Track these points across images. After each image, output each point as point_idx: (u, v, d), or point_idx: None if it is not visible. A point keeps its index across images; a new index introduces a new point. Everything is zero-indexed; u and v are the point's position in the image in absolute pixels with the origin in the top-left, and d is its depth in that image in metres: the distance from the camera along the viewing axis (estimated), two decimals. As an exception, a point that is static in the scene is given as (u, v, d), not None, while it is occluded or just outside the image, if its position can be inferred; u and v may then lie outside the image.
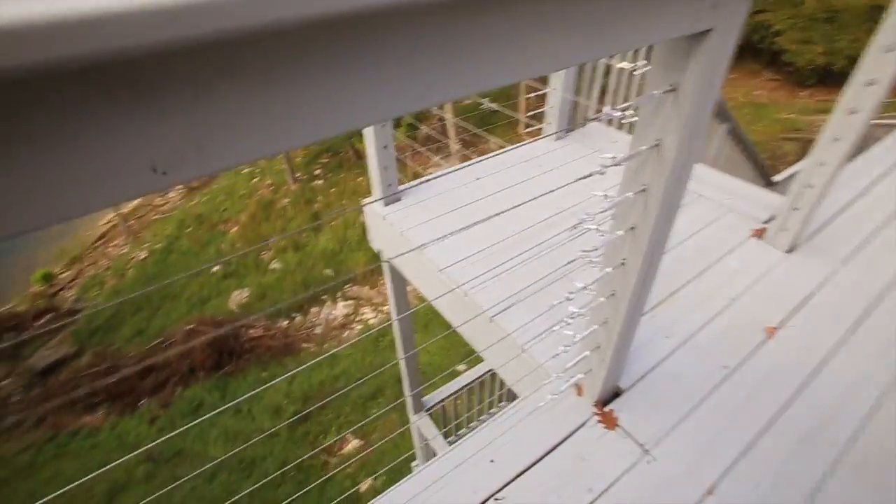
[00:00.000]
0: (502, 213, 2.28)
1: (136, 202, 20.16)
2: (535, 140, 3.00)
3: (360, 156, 17.48)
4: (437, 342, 11.00)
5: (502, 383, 4.31)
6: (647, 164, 0.89)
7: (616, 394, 1.47)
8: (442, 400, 3.87)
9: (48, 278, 16.85)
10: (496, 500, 1.22)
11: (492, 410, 4.35)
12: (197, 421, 1.10)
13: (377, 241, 2.63)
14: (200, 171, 0.40)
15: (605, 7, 0.56)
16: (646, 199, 0.93)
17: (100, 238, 18.66)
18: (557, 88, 2.77)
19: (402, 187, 2.58)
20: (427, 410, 3.84)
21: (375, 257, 14.41)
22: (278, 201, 17.02)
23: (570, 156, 2.78)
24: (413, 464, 4.78)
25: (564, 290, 1.37)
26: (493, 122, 15.62)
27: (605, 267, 1.11)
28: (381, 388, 10.26)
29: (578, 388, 1.47)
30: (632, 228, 0.99)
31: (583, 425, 1.38)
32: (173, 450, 9.97)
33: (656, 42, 0.69)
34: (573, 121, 3.06)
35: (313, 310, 13.41)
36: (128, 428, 10.61)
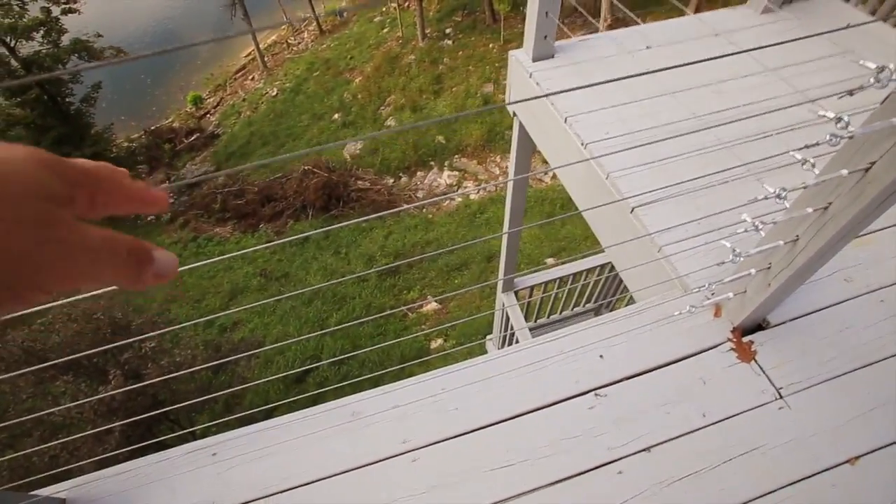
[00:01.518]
0: (673, 93, 1.86)
1: (272, 37, 20.83)
2: (735, 8, 2.30)
3: (497, 18, 16.06)
4: (531, 230, 10.83)
5: (607, 284, 4.10)
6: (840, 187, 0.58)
7: (760, 326, 1.25)
8: (534, 286, 3.79)
9: (198, 101, 18.65)
10: (597, 394, 1.13)
11: (584, 311, 4.23)
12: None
13: (514, 98, 2.27)
14: None
15: None
16: (824, 219, 0.64)
17: (240, 70, 19.87)
18: None
19: (558, 42, 2.10)
20: (516, 291, 3.82)
21: (491, 132, 13.93)
22: (404, 56, 16.59)
23: (780, 35, 2.10)
24: (488, 337, 4.95)
25: (735, 197, 1.10)
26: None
27: (828, 172, 0.82)
28: (467, 262, 10.58)
29: (717, 308, 1.26)
30: (795, 240, 0.69)
31: (713, 348, 1.20)
32: (281, 271, 11.42)
33: None
34: None
35: (419, 173, 13.68)
36: (249, 244, 12.18)
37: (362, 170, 13.93)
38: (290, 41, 20.36)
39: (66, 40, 13.86)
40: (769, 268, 1.07)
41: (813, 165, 0.85)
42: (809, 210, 0.90)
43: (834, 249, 0.94)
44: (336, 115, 15.78)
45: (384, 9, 18.54)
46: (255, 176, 14.11)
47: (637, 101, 1.87)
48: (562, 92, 1.82)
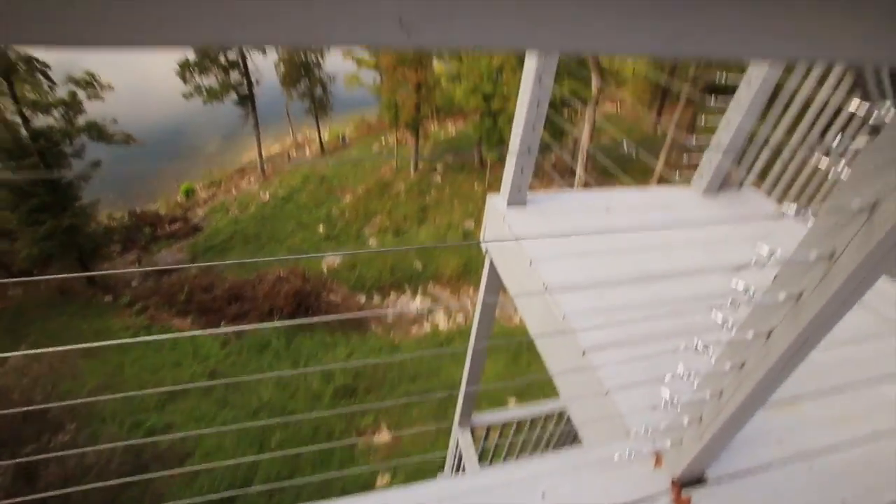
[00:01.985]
0: (626, 250, 2.11)
1: (276, 147, 22.33)
2: (679, 187, 2.73)
3: (484, 164, 17.74)
4: (496, 369, 10.77)
5: (559, 429, 4.04)
6: (848, 226, 0.74)
7: (700, 479, 1.26)
8: (491, 426, 3.72)
9: (190, 193, 19.24)
10: (536, 535, 1.09)
11: (538, 452, 4.10)
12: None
13: (488, 238, 2.56)
14: (442, 40, 0.37)
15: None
16: (828, 267, 0.77)
17: (238, 171, 20.92)
18: (728, 129, 2.48)
19: (533, 194, 2.50)
20: (472, 430, 3.71)
21: (467, 265, 14.53)
22: (395, 184, 17.83)
23: (717, 215, 2.50)
24: (440, 474, 4.66)
25: (676, 343, 1.21)
26: (629, 166, 14.99)
27: (745, 331, 0.94)
28: (429, 391, 10.23)
29: (658, 458, 1.29)
30: (798, 295, 0.82)
31: (652, 500, 1.20)
32: (231, 375, 10.78)
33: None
34: (728, 178, 2.74)
35: (393, 295, 13.83)
36: (204, 342, 11.65)
37: (337, 284, 14.05)
38: (291, 154, 21.84)
39: (81, 120, 14.63)
40: (700, 420, 1.13)
41: (731, 327, 0.97)
42: (728, 366, 1.01)
43: (754, 405, 1.02)
44: (321, 227, 16.34)
45: (384, 140, 20.38)
46: (229, 273, 14.03)
47: (594, 252, 2.08)
48: (530, 238, 2.05)
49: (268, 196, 18.53)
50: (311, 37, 0.37)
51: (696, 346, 1.04)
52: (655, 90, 16.72)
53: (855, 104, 2.49)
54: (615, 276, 1.95)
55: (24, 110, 13.45)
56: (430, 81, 18.58)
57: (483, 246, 2.65)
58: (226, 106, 20.99)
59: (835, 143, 2.71)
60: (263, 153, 21.09)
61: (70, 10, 0.31)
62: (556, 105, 13.93)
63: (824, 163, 2.69)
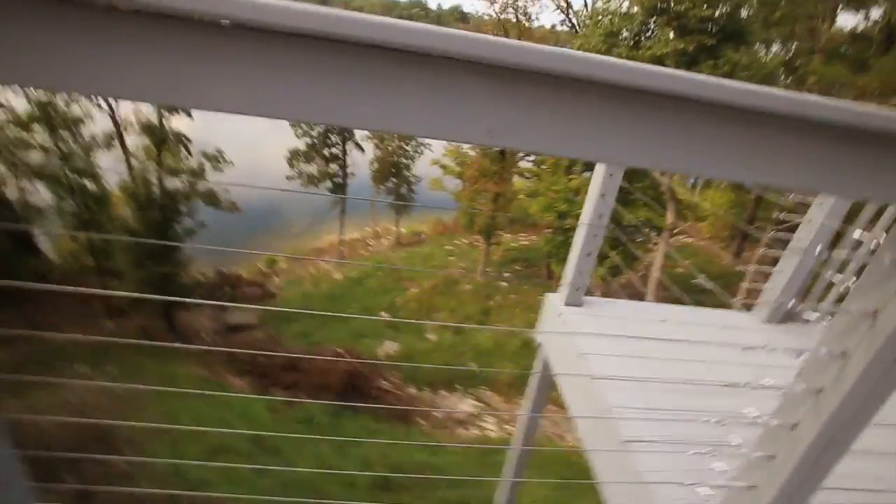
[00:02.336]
0: (675, 358, 2.17)
1: (356, 234, 23.92)
2: (738, 312, 2.78)
3: (552, 276, 17.89)
4: (541, 493, 9.91)
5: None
6: (856, 329, 0.82)
7: None
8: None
9: (271, 263, 20.74)
10: None
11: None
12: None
13: (543, 332, 2.74)
14: (520, 146, 0.59)
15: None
16: (843, 365, 0.85)
17: (319, 250, 22.44)
18: (791, 263, 2.53)
19: (588, 298, 2.64)
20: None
21: (524, 375, 14.02)
22: (461, 284, 18.26)
23: (772, 341, 2.49)
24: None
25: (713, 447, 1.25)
26: (701, 297, 14.47)
27: (772, 422, 0.99)
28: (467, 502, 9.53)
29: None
30: (818, 391, 0.89)
31: None
32: (275, 445, 10.68)
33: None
34: (792, 311, 2.72)
35: (443, 392, 13.54)
36: (254, 405, 11.81)
37: (391, 371, 14.04)
38: (369, 242, 23.26)
39: (201, 186, 16.74)
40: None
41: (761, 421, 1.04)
42: (759, 455, 1.04)
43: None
44: (383, 313, 16.77)
45: (456, 241, 21.28)
46: (290, 342, 14.51)
47: (644, 355, 2.20)
48: (583, 334, 2.21)
49: (340, 276, 19.53)
50: (420, 129, 0.55)
51: (731, 444, 1.10)
52: (734, 228, 16.64)
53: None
54: (662, 379, 2.01)
55: (162, 173, 15.68)
56: (508, 194, 19.71)
57: (538, 338, 2.81)
58: (320, 192, 23.26)
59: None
60: (344, 238, 22.62)
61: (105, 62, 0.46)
62: (631, 230, 14.17)
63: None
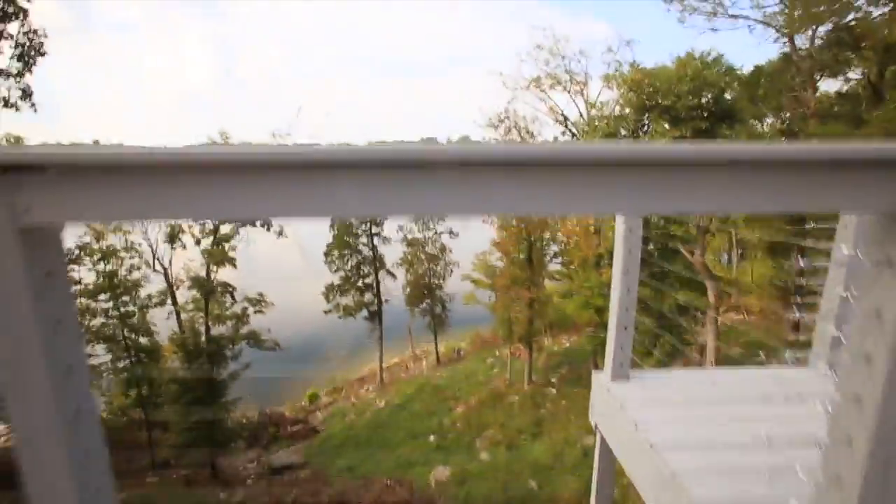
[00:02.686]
0: (732, 417, 2.11)
1: (395, 359, 23.72)
2: (794, 367, 2.68)
3: (600, 378, 16.94)
4: None
5: None
6: (869, 330, 0.87)
7: None
8: None
9: (314, 398, 20.54)
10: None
11: None
12: None
13: (596, 412, 2.73)
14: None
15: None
16: (870, 369, 0.88)
17: (359, 379, 22.21)
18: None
19: (634, 371, 2.67)
20: None
21: (588, 488, 12.58)
22: (508, 396, 17.42)
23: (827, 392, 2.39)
24: None
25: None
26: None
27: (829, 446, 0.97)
28: None
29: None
30: (857, 400, 0.90)
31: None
32: None
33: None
34: None
35: (503, 518, 12.17)
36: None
37: (444, 499, 12.93)
38: (409, 365, 22.95)
39: (244, 329, 17.48)
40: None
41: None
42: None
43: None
44: (432, 437, 15.93)
45: (496, 353, 20.77)
46: (337, 478, 13.77)
47: (700, 417, 2.18)
48: (635, 405, 2.22)
49: (383, 403, 19.02)
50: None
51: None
52: (786, 297, 15.82)
53: None
54: (721, 439, 1.96)
55: (209, 321, 16.61)
56: (542, 298, 19.63)
57: (592, 421, 2.81)
58: (357, 321, 23.78)
59: None
60: (384, 364, 22.47)
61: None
62: (673, 313, 13.68)
63: None
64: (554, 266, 21.71)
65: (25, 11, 10.96)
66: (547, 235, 20.45)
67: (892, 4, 12.25)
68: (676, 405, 2.27)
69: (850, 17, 12.76)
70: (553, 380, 18.03)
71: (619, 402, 2.37)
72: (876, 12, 12.52)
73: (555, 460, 13.58)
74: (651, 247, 15.74)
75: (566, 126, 19.20)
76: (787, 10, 13.85)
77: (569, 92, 19.13)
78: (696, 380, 2.73)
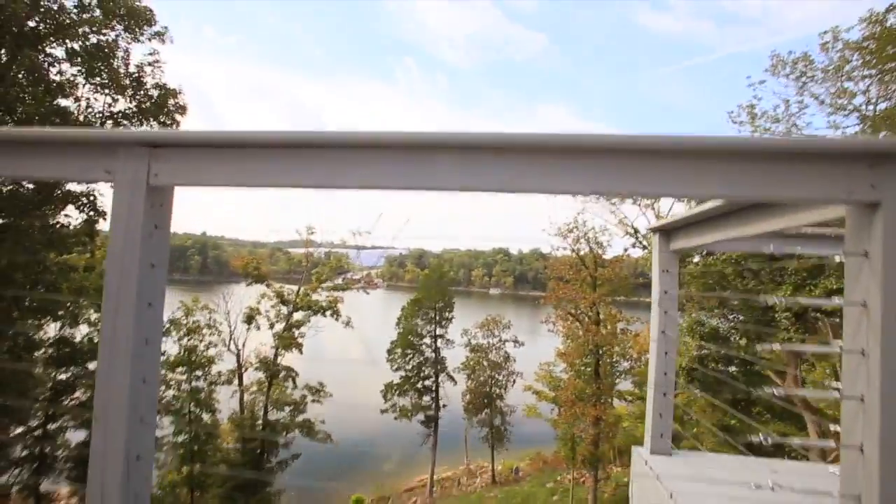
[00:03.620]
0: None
1: (448, 473, 22.09)
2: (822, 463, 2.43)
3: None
4: None
5: None
6: (861, 325, 0.86)
7: None
8: None
9: (358, 502, 19.32)
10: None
11: None
12: None
13: (636, 490, 2.57)
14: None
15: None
16: (867, 364, 0.82)
17: (409, 490, 20.77)
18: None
19: (677, 450, 2.53)
20: None
21: None
22: (568, 529, 15.37)
23: None
24: None
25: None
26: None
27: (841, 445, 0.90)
28: None
29: None
30: (861, 399, 0.86)
31: None
32: None
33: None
34: None
35: None
36: None
37: None
38: (462, 480, 21.23)
39: (300, 417, 17.45)
40: None
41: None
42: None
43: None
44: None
45: (558, 477, 18.80)
46: None
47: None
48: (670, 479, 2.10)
49: (430, 519, 17.47)
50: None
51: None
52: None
53: None
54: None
55: (269, 404, 16.86)
56: (609, 419, 18.05)
57: (631, 499, 2.60)
58: (413, 425, 22.94)
59: None
60: (435, 476, 21.04)
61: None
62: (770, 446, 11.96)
63: None
64: (626, 385, 20.18)
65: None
66: (617, 349, 19.34)
67: None
68: (715, 483, 2.14)
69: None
70: (620, 515, 15.81)
71: (659, 478, 2.23)
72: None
73: None
74: (733, 369, 14.30)
75: (636, 238, 19.05)
76: (868, 131, 13.54)
77: (639, 205, 19.29)
78: (739, 464, 2.55)
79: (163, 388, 17.32)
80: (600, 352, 18.92)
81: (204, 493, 14.85)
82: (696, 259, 14.72)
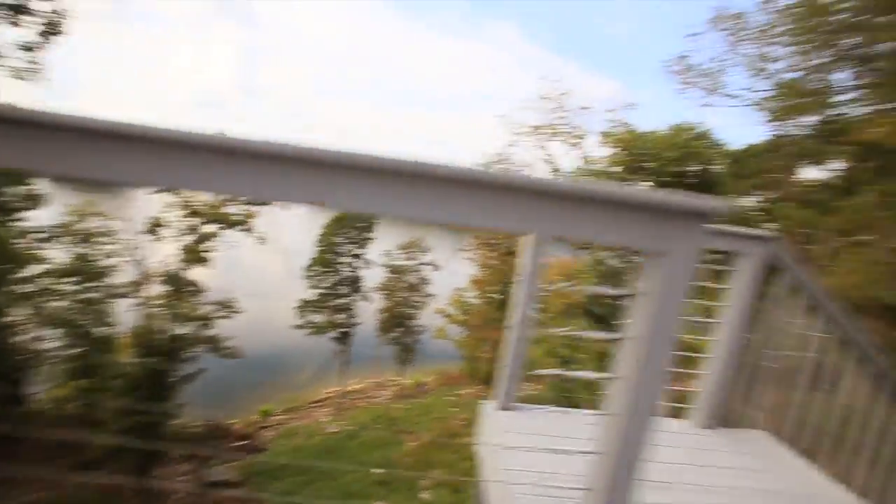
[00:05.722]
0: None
1: (358, 385, 23.22)
2: (679, 420, 2.80)
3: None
4: None
5: None
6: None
7: None
8: None
9: (266, 414, 19.95)
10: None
11: None
12: None
13: (479, 435, 2.90)
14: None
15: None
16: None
17: (318, 401, 21.65)
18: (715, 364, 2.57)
19: (520, 404, 2.83)
20: None
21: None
22: (463, 436, 16.98)
23: (700, 446, 2.59)
24: None
25: None
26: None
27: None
28: None
29: None
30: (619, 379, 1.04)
31: None
32: None
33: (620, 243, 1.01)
34: (731, 416, 2.67)
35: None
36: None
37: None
38: (370, 393, 22.47)
39: (207, 332, 17.11)
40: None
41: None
42: None
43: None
44: (377, 470, 15.42)
45: (460, 392, 20.42)
46: (270, 499, 13.24)
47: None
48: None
49: (336, 429, 18.52)
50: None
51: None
52: None
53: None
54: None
55: (174, 320, 16.28)
56: (510, 342, 19.43)
57: (475, 442, 2.98)
58: (326, 342, 23.47)
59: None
60: (345, 389, 22.00)
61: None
62: None
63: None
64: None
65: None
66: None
67: (872, 107, 12.77)
68: (547, 439, 2.40)
69: (835, 112, 13.26)
70: (510, 427, 17.66)
71: (500, 428, 2.56)
72: (857, 112, 13.03)
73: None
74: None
75: (557, 175, 19.51)
76: (777, 97, 14.37)
77: (566, 143, 19.53)
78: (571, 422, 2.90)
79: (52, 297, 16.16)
80: (511, 281, 19.92)
81: (96, 408, 14.51)
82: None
